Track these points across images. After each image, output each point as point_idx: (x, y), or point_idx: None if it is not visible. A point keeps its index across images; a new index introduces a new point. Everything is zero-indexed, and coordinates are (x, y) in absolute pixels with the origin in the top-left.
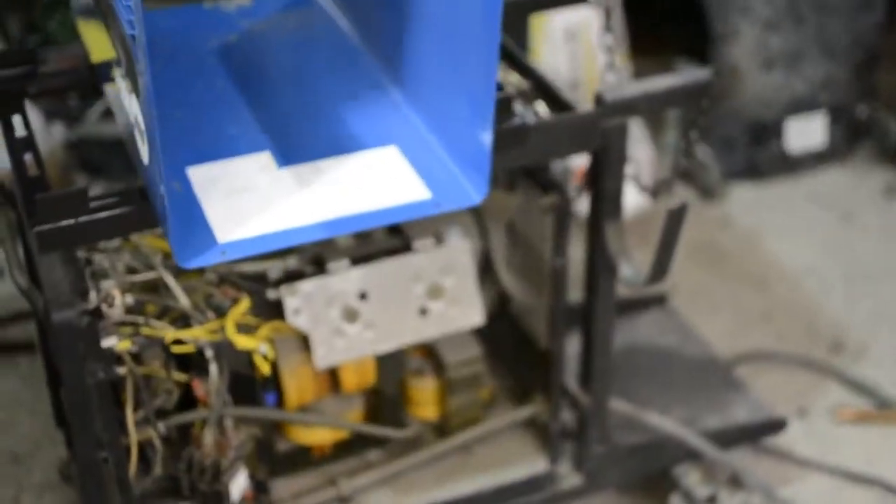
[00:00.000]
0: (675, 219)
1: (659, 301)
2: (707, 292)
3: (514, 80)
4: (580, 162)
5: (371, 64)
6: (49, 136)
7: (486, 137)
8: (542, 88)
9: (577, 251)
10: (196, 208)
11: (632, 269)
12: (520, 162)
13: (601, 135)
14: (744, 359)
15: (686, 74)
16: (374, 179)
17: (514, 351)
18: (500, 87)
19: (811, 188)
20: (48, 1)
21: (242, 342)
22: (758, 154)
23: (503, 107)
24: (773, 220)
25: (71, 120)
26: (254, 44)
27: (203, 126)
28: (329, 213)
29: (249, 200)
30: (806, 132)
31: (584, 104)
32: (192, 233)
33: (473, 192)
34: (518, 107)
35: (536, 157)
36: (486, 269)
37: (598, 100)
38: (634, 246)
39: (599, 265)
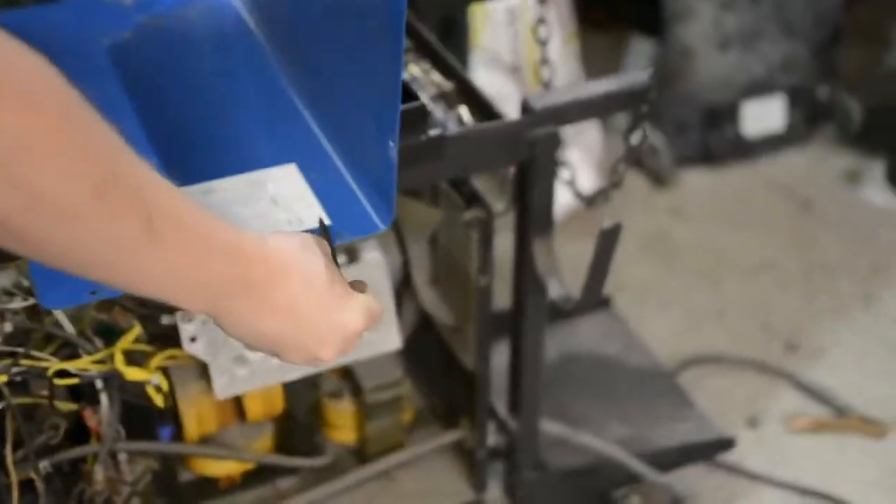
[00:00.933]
0: (608, 240)
1: (602, 304)
2: (657, 288)
3: (437, 79)
4: None
5: (275, 67)
6: None
7: (391, 156)
8: (465, 91)
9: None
10: None
11: (562, 288)
12: (438, 177)
13: (528, 146)
14: (693, 361)
15: (624, 78)
16: (268, 204)
17: (439, 369)
18: (415, 97)
19: (769, 174)
20: None
21: (132, 374)
22: (712, 138)
23: (418, 116)
24: (727, 209)
25: None
26: (150, 42)
27: None
28: None
29: None
30: (763, 115)
31: (523, 90)
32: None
33: (377, 218)
34: (438, 112)
35: (456, 171)
36: (406, 284)
37: (525, 107)
38: (573, 244)
39: (527, 284)
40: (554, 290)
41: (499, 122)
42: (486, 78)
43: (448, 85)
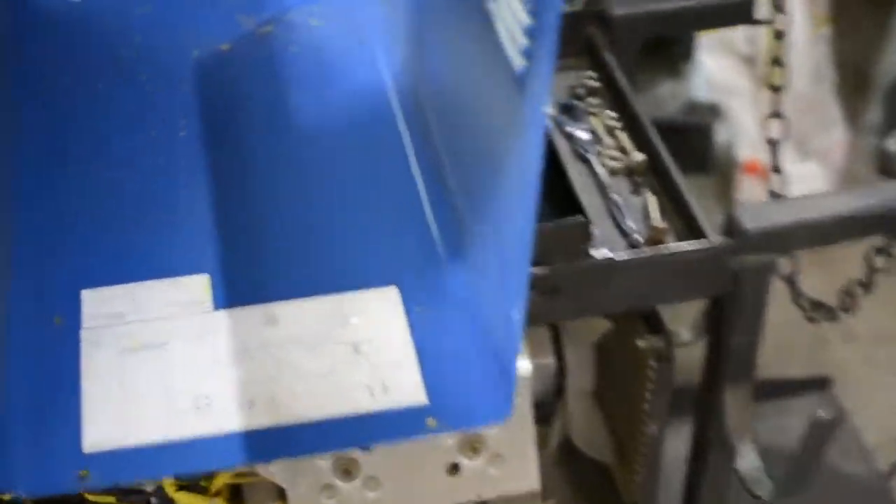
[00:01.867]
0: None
1: (819, 385)
2: (893, 341)
3: (624, 143)
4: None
5: (406, 144)
6: None
7: (515, 325)
8: (657, 172)
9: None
10: (64, 375)
11: (756, 460)
12: (603, 310)
13: (732, 276)
14: None
15: (877, 193)
16: (346, 353)
17: (592, 480)
18: (580, 209)
19: None
20: None
21: (185, 501)
22: None
23: (577, 234)
24: None
25: None
26: (250, 67)
27: (133, 211)
28: (256, 419)
29: (149, 372)
30: None
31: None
32: (44, 425)
33: (492, 404)
34: (616, 192)
35: (628, 304)
36: (558, 396)
37: (733, 228)
38: (810, 273)
39: (712, 441)
40: (746, 461)
41: (693, 247)
42: (713, 66)
43: (638, 157)
